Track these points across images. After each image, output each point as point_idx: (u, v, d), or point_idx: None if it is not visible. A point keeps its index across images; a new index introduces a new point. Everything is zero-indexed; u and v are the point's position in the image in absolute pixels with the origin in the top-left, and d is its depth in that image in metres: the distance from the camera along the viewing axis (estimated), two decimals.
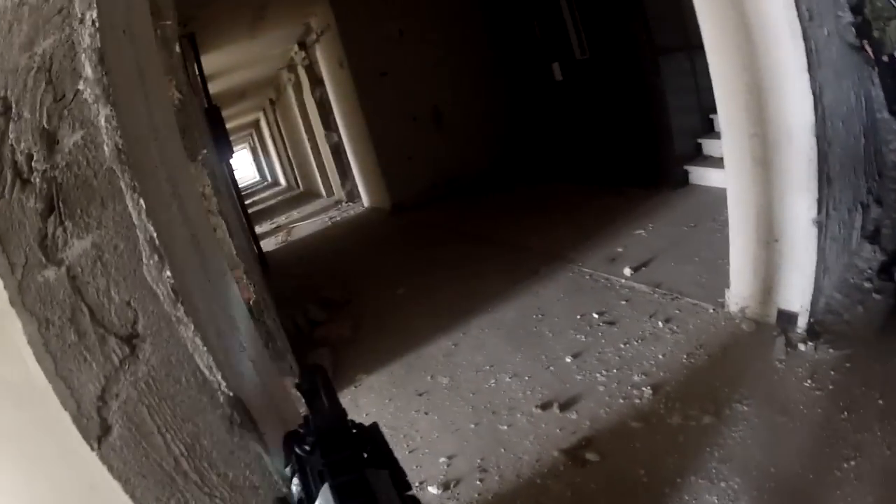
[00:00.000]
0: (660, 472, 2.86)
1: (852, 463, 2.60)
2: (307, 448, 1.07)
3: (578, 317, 4.55)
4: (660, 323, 4.12)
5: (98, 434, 1.20)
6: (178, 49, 4.21)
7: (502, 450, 3.32)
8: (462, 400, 3.92)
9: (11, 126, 1.13)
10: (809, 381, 3.15)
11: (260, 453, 1.39)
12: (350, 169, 11.18)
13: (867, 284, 3.72)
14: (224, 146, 5.81)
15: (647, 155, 6.80)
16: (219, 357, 1.32)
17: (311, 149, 13.40)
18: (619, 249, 5.53)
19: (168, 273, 1.25)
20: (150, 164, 1.38)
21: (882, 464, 2.55)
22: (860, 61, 3.45)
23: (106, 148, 1.20)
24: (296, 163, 18.47)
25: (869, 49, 3.29)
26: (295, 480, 1.07)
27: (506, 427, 3.51)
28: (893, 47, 3.16)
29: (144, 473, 1.25)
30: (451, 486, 3.17)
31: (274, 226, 13.19)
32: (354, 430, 1.12)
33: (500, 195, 9.06)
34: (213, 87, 7.99)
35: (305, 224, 11.97)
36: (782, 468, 2.69)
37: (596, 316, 4.47)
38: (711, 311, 4.07)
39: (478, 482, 3.14)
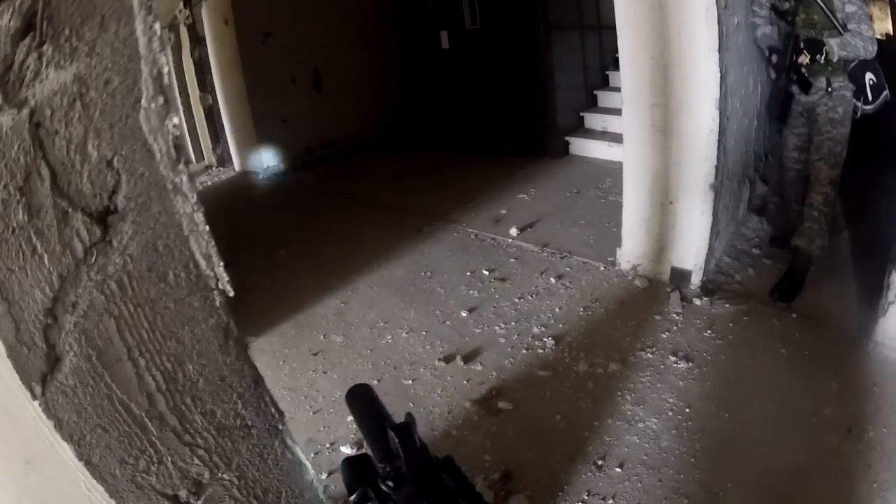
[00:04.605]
0: (576, 417, 2.77)
1: (766, 404, 2.62)
2: (391, 484, 0.91)
3: (469, 274, 4.37)
4: (552, 279, 4.03)
5: (42, 371, 0.80)
6: None
7: (411, 404, 3.09)
8: (360, 357, 3.64)
9: None
10: (709, 331, 3.17)
11: (255, 378, 1.05)
12: (223, 132, 10.38)
13: (756, 251, 3.85)
14: None
15: (531, 125, 6.74)
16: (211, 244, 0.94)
17: (184, 112, 12.43)
18: (503, 212, 5.41)
19: (175, 121, 0.86)
20: None
21: (796, 405, 2.57)
22: (761, 52, 3.54)
23: None
24: None
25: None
26: None
27: (410, 381, 3.28)
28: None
29: (106, 425, 0.87)
30: (364, 444, 2.89)
31: None
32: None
33: (382, 159, 8.66)
34: None
35: None
36: (697, 409, 2.66)
37: (486, 273, 4.32)
38: (602, 268, 4.03)
39: None
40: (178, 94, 12.21)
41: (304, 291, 4.70)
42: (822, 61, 3.11)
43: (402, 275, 4.63)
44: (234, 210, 8.09)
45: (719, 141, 3.26)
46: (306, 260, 5.41)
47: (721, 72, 3.13)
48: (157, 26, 0.87)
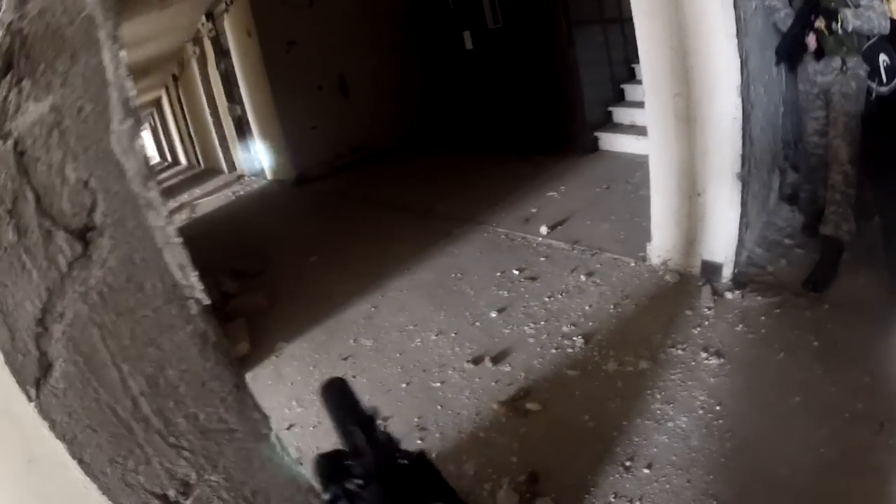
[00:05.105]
0: (605, 417, 2.71)
1: (797, 399, 2.51)
2: (360, 483, 0.92)
3: (498, 274, 4.35)
4: (582, 277, 3.97)
5: (36, 376, 0.89)
6: None
7: (439, 407, 3.09)
8: (389, 361, 3.65)
9: None
10: (741, 325, 3.08)
11: (237, 383, 1.10)
12: (253, 142, 10.54)
13: (788, 241, 3.74)
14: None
15: (558, 122, 6.70)
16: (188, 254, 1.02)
17: (214, 123, 12.50)
18: (533, 210, 5.37)
19: (142, 142, 0.95)
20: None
21: (828, 399, 2.47)
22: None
23: None
24: (197, 139, 17.20)
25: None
26: None
27: (439, 384, 3.27)
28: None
29: (95, 426, 0.95)
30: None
31: (177, 205, 12.27)
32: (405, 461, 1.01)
33: (409, 163, 8.73)
34: None
35: (209, 200, 10.99)
36: (728, 406, 2.58)
37: (516, 272, 4.28)
38: (633, 264, 3.95)
39: (418, 441, 2.89)
40: (206, 106, 12.41)
41: (335, 296, 4.74)
42: (838, 31, 3.04)
43: (431, 277, 4.64)
44: (265, 218, 8.20)
45: (744, 129, 3.17)
46: (337, 265, 5.44)
47: (741, 58, 3.05)
48: (122, 54, 0.95)
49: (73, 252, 0.91)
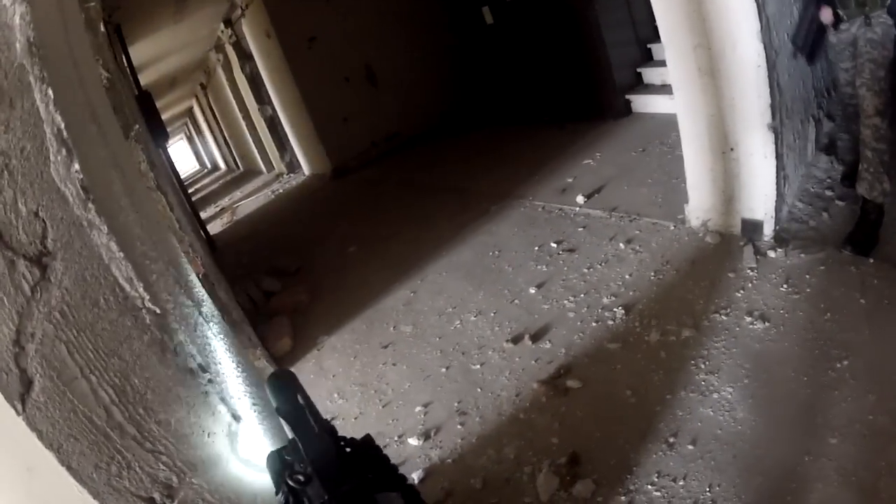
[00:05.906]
0: (647, 391, 2.61)
1: (845, 363, 2.36)
2: (300, 479, 0.90)
3: (536, 248, 4.25)
4: (621, 245, 3.85)
5: (20, 391, 1.00)
6: (102, 29, 3.80)
7: (479, 389, 3.03)
8: (429, 345, 3.62)
9: None
10: (785, 285, 2.92)
11: (205, 388, 1.16)
12: (287, 140, 10.54)
13: (829, 192, 3.54)
14: (159, 132, 5.32)
15: (588, 89, 6.51)
16: (140, 265, 1.10)
17: (247, 126, 12.56)
18: (569, 180, 5.23)
19: (77, 167, 1.03)
20: (59, 53, 1.18)
21: (876, 361, 2.31)
22: None
23: (18, 45, 1.02)
24: (233, 143, 17.44)
25: None
26: None
27: (478, 366, 3.22)
28: None
29: (76, 435, 1.04)
30: (432, 434, 2.87)
31: (218, 209, 12.28)
32: (348, 449, 0.98)
33: (444, 144, 8.64)
34: (143, 79, 7.28)
35: (249, 202, 11.15)
36: (774, 374, 2.45)
37: (554, 245, 4.18)
38: (672, 228, 3.80)
39: (459, 426, 2.85)
40: (237, 110, 12.51)
41: (375, 285, 4.75)
42: None
43: (469, 257, 4.58)
44: (304, 214, 8.26)
45: (770, 76, 2.98)
46: (376, 254, 5.45)
47: (758, 2, 2.86)
48: (50, 91, 1.02)
49: (33, 277, 1.00)
